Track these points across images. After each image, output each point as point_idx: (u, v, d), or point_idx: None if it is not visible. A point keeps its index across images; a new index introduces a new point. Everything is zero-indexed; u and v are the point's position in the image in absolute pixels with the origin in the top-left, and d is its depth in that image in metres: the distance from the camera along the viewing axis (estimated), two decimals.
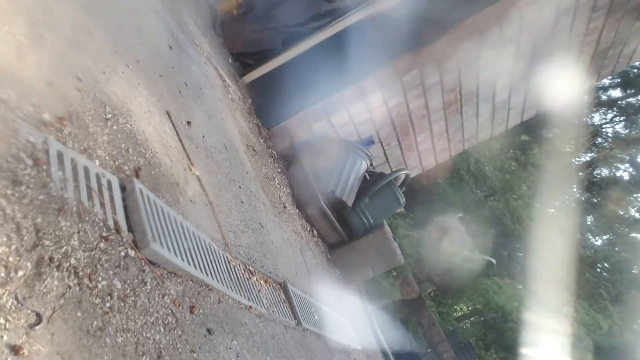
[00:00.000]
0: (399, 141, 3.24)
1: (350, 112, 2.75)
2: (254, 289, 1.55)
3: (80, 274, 0.79)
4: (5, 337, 0.61)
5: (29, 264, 0.70)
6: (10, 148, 0.79)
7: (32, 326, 0.65)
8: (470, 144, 4.13)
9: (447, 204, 6.88)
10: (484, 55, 2.89)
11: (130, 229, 1.01)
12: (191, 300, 1.12)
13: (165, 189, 1.27)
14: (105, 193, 0.99)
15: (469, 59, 2.89)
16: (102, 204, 0.96)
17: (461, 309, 9.45)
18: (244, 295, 1.44)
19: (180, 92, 1.79)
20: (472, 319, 9.06)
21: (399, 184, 3.17)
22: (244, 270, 1.54)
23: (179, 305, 1.06)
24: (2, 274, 0.65)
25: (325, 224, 2.73)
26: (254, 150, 2.39)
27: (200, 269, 1.20)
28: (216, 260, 1.34)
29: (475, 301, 8.09)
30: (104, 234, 0.91)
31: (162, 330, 0.95)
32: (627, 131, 9.91)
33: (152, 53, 1.74)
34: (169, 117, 1.54)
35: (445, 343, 5.78)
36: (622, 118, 9.88)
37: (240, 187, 1.89)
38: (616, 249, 9.35)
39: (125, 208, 1.04)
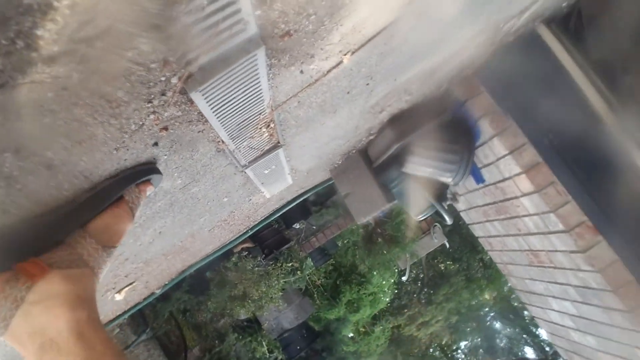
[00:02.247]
0: None
1: None
2: (248, 134, 1.44)
3: None
4: None
5: None
6: None
7: None
8: None
9: None
10: None
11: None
12: (172, 123, 1.01)
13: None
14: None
15: None
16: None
17: None
18: (231, 135, 1.35)
19: None
20: None
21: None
22: (263, 125, 1.40)
23: (156, 122, 0.95)
24: None
25: (382, 146, 2.52)
26: None
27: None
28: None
29: None
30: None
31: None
32: None
33: None
34: None
35: None
36: None
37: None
38: None
39: None
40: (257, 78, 0.97)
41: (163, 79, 0.70)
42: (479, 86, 2.35)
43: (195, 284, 5.28)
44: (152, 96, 0.73)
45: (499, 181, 2.55)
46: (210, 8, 0.63)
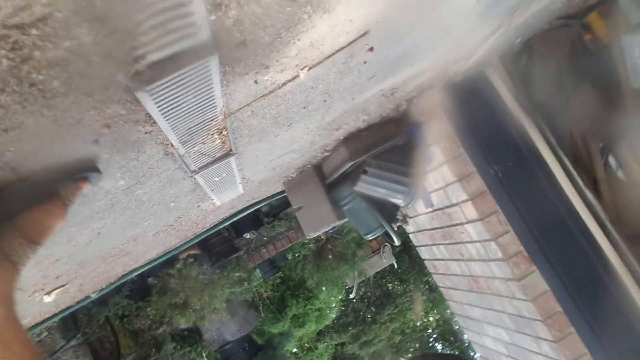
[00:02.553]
0: None
1: None
2: (199, 140, 1.42)
3: None
4: None
5: None
6: None
7: None
8: None
9: None
10: None
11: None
12: (115, 121, 0.98)
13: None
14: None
15: None
16: None
17: None
18: (181, 139, 1.32)
19: None
20: None
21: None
22: (215, 131, 1.38)
23: (97, 118, 0.91)
24: None
25: (336, 163, 2.54)
26: None
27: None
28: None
29: None
30: None
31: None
32: None
33: None
34: None
35: None
36: None
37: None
38: None
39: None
40: (210, 84, 0.96)
41: (106, 73, 0.67)
42: (436, 109, 2.43)
43: (137, 289, 5.08)
44: (94, 90, 0.70)
45: (447, 207, 2.62)
46: (160, 6, 0.62)
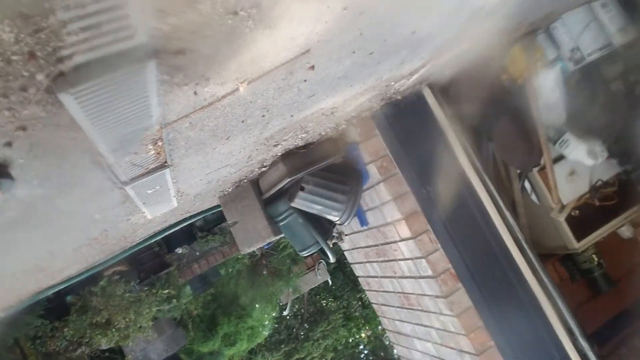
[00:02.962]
0: None
1: None
2: (132, 149, 1.36)
3: None
4: None
5: None
6: None
7: None
8: None
9: None
10: None
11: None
12: (33, 123, 0.91)
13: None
14: None
15: None
16: None
17: None
18: (110, 148, 1.25)
19: None
20: None
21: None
22: (150, 142, 1.33)
23: (12, 119, 0.84)
24: None
25: (273, 179, 2.53)
26: None
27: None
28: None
29: None
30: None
31: None
32: None
33: None
34: None
35: None
36: None
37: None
38: None
39: None
40: (146, 92, 0.92)
41: (26, 73, 0.63)
42: (374, 129, 2.50)
43: (53, 308, 4.71)
44: (10, 90, 0.65)
45: (382, 225, 2.68)
46: (94, 7, 0.59)
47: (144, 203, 1.97)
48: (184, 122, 1.27)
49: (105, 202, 1.68)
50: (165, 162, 1.58)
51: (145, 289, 5.24)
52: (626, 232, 3.18)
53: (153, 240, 3.23)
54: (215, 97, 1.20)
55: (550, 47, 2.45)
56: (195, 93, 1.09)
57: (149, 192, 1.85)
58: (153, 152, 1.39)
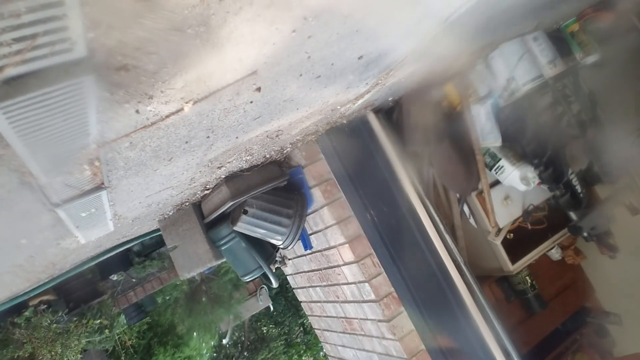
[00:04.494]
0: None
1: None
2: (66, 169, 1.28)
3: None
4: None
5: None
6: None
7: None
8: None
9: None
10: None
11: None
12: None
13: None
14: None
15: None
16: None
17: None
18: (42, 167, 1.18)
19: None
20: None
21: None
22: (86, 162, 1.26)
23: None
24: None
25: (216, 202, 2.47)
26: None
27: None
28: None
29: None
30: None
31: None
32: None
33: None
34: None
35: None
36: None
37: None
38: None
39: None
40: (84, 108, 0.88)
41: None
42: (318, 153, 2.51)
43: None
44: None
45: (325, 249, 2.69)
46: (29, 17, 0.56)
47: (77, 227, 1.86)
48: (124, 142, 1.22)
49: (33, 225, 1.56)
50: (102, 183, 1.50)
51: (75, 319, 4.89)
52: (555, 254, 3.38)
53: (85, 267, 3.04)
54: (158, 117, 1.16)
55: (488, 76, 2.60)
56: (137, 111, 1.05)
57: (83, 215, 1.75)
58: (89, 172, 1.32)
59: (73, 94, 0.79)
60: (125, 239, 2.98)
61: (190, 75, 1.00)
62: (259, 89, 1.31)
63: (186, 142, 1.52)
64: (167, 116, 1.18)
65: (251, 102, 1.39)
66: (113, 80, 0.84)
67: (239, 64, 1.08)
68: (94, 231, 2.10)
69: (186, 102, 1.16)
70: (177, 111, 1.18)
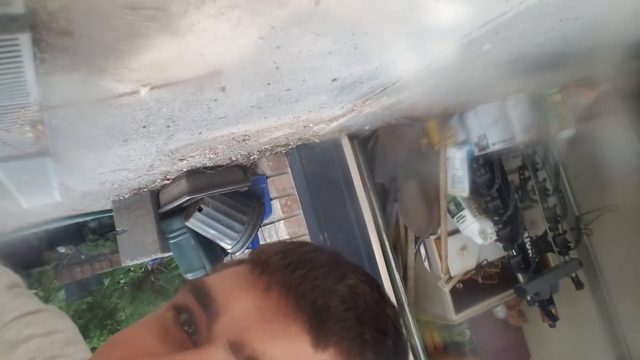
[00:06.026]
0: None
1: None
2: (4, 125, 1.23)
3: None
4: None
5: None
6: None
7: None
8: None
9: None
10: None
11: None
12: None
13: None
14: None
15: None
16: None
17: None
18: None
19: None
20: None
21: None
22: (27, 122, 1.21)
23: None
24: None
25: (174, 194, 2.42)
26: None
27: None
28: None
29: None
30: None
31: None
32: None
33: None
34: None
35: None
36: None
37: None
38: None
39: None
40: (20, 67, 0.84)
41: None
42: (285, 166, 2.49)
43: None
44: None
45: None
46: None
47: (18, 189, 1.79)
48: (71, 110, 1.18)
49: None
50: (48, 149, 1.45)
51: None
52: (500, 312, 3.39)
53: (28, 232, 2.93)
54: (111, 94, 1.13)
55: (461, 129, 2.63)
56: (85, 82, 1.02)
57: (25, 177, 1.68)
58: (31, 134, 1.27)
59: (8, 49, 0.76)
60: (75, 212, 2.90)
61: (146, 58, 0.98)
62: (223, 89, 1.29)
63: (144, 127, 1.48)
64: (121, 95, 1.15)
65: (215, 100, 1.37)
66: (56, 44, 0.81)
67: (201, 60, 1.06)
68: (38, 198, 2.03)
69: (143, 86, 1.13)
70: (133, 92, 1.15)
